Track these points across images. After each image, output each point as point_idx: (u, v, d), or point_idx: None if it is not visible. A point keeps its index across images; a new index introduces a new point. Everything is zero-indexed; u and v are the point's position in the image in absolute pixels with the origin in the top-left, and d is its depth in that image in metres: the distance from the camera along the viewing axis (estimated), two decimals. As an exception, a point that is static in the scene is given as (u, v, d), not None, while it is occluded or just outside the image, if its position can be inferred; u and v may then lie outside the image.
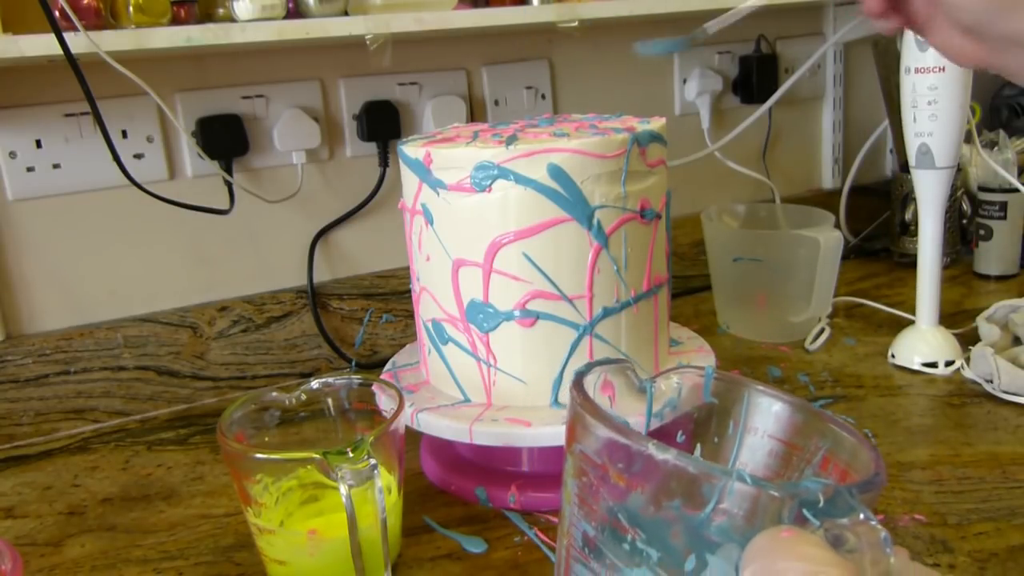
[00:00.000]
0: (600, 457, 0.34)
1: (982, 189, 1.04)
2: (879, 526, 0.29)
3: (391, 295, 0.94)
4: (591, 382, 0.38)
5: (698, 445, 0.43)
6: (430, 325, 0.65)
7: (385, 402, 0.59)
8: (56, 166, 0.80)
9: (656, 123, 0.64)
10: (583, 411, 0.35)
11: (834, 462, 0.37)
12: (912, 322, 0.83)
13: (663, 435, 0.43)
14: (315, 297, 0.91)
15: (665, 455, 0.31)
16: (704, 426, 0.43)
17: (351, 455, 0.48)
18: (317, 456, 0.49)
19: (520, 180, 0.58)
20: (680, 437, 0.44)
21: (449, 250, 0.61)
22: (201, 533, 0.62)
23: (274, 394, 0.59)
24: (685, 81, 1.10)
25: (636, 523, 0.33)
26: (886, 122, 1.13)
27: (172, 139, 0.85)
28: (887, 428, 0.70)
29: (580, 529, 0.35)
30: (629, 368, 0.42)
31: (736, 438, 0.42)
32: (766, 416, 0.41)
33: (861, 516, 0.30)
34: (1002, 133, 1.05)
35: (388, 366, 0.73)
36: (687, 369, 0.44)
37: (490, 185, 0.58)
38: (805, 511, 0.30)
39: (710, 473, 0.31)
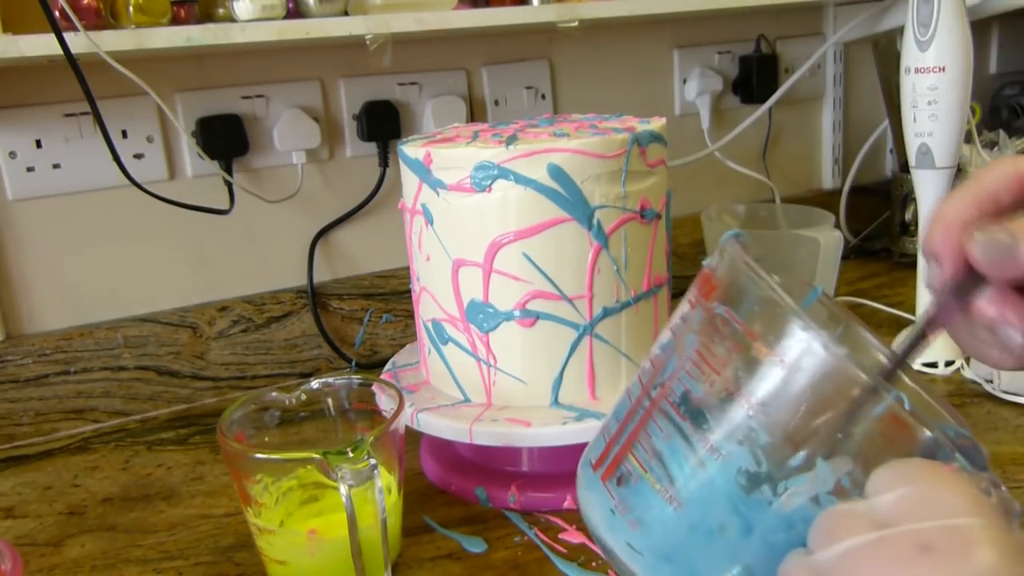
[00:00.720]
0: (748, 322, 0.32)
1: (982, 189, 1.04)
2: (1010, 496, 0.29)
3: (391, 295, 0.94)
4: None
5: None
6: (430, 325, 0.65)
7: (385, 402, 0.59)
8: (56, 166, 0.80)
9: (656, 123, 0.64)
10: (748, 269, 0.32)
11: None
12: (912, 322, 0.83)
13: None
14: (315, 297, 0.91)
15: (834, 352, 0.29)
16: None
17: (351, 455, 0.48)
18: (317, 456, 0.49)
19: (520, 180, 0.58)
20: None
21: (449, 250, 0.61)
22: (201, 533, 0.62)
23: (274, 394, 0.59)
24: (685, 81, 1.10)
25: (759, 401, 0.31)
26: (886, 122, 1.13)
27: (172, 139, 0.85)
28: (887, 428, 0.70)
29: (684, 385, 0.33)
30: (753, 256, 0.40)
31: None
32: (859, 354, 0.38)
33: (993, 480, 0.29)
34: (1002, 133, 1.05)
35: (388, 366, 0.73)
36: (792, 282, 0.41)
37: (490, 185, 0.58)
38: (959, 455, 0.29)
39: (872, 386, 0.29)
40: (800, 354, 0.30)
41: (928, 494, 0.27)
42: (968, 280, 0.33)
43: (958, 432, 0.29)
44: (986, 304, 0.33)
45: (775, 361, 0.31)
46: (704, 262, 0.36)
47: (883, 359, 0.37)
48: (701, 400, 0.32)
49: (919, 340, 0.33)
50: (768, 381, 0.31)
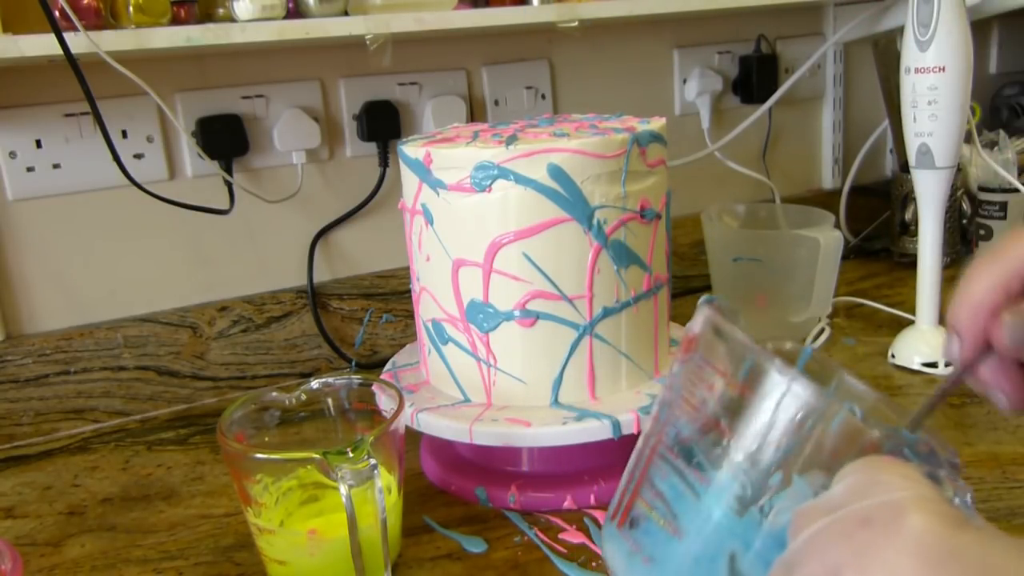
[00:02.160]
0: (724, 366, 0.36)
1: (982, 189, 1.04)
2: (965, 484, 0.31)
3: (391, 295, 0.94)
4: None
5: None
6: (430, 325, 0.65)
7: (385, 402, 0.59)
8: (56, 166, 0.80)
9: (656, 123, 0.64)
10: (718, 321, 0.37)
11: None
12: (912, 322, 0.83)
13: None
14: (315, 297, 0.91)
15: (787, 375, 0.33)
16: None
17: (351, 455, 0.49)
18: (317, 456, 0.49)
19: (520, 180, 0.58)
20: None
21: (449, 250, 0.61)
22: (201, 533, 0.62)
23: (274, 394, 0.59)
24: (685, 81, 1.10)
25: (737, 432, 0.34)
26: (886, 122, 1.13)
27: (172, 139, 0.85)
28: (887, 428, 0.70)
29: (676, 428, 0.37)
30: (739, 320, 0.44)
31: None
32: (851, 401, 0.43)
33: (950, 474, 0.32)
34: (1002, 133, 1.05)
35: (388, 366, 0.73)
36: (786, 343, 0.45)
37: (490, 185, 0.58)
38: (906, 450, 0.32)
39: (825, 400, 0.32)
40: (764, 385, 0.34)
41: (869, 478, 0.30)
42: (982, 353, 0.37)
43: (916, 438, 0.33)
44: (986, 372, 0.37)
45: (746, 395, 0.35)
46: (686, 327, 0.40)
47: (890, 420, 0.41)
48: (689, 439, 0.36)
49: (933, 407, 0.38)
50: (742, 414, 0.35)
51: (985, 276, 0.37)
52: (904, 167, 0.98)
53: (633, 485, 0.39)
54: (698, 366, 0.37)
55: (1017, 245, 0.37)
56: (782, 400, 0.33)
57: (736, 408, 0.35)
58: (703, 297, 0.41)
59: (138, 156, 0.83)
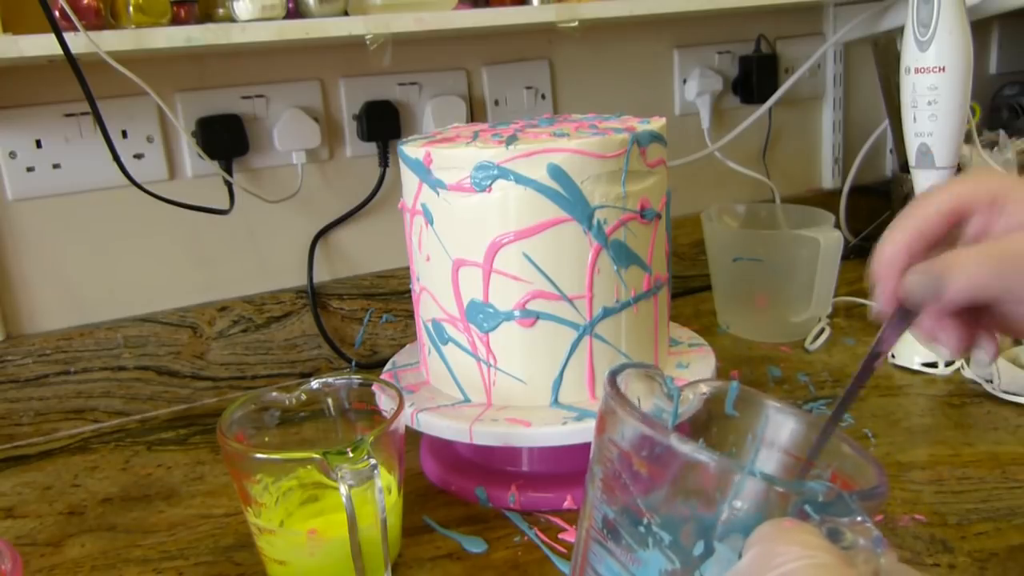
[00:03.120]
0: (626, 446, 0.36)
1: (982, 189, 1.04)
2: (873, 527, 0.31)
3: (391, 295, 0.94)
4: (623, 380, 0.40)
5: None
6: (430, 325, 0.65)
7: (385, 402, 0.59)
8: (56, 166, 0.80)
9: (656, 123, 0.64)
10: (614, 402, 0.37)
11: (841, 478, 0.39)
12: (912, 322, 0.83)
13: None
14: (315, 297, 0.91)
15: (684, 447, 0.33)
16: (722, 437, 0.45)
17: (351, 455, 0.49)
18: (317, 456, 0.49)
19: (520, 180, 0.58)
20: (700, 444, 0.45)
21: (449, 250, 0.61)
22: (201, 533, 0.62)
23: (274, 394, 0.59)
24: (685, 81, 1.10)
25: (652, 509, 0.35)
26: (886, 122, 1.13)
27: (172, 139, 0.85)
28: (887, 428, 0.70)
29: (601, 512, 0.37)
30: (659, 375, 0.45)
31: (752, 450, 0.44)
32: (782, 431, 0.43)
33: (858, 518, 0.31)
34: (1002, 133, 1.05)
35: (388, 366, 0.73)
36: (713, 382, 0.46)
37: (490, 185, 0.58)
38: (807, 507, 0.32)
39: (724, 467, 0.33)
40: (665, 460, 0.35)
41: (767, 551, 0.31)
42: (905, 311, 0.40)
43: (820, 488, 0.32)
44: (926, 322, 0.41)
45: (652, 471, 0.35)
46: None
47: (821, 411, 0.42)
48: (614, 520, 0.37)
49: (868, 370, 0.40)
50: (653, 492, 0.35)
51: (890, 239, 0.41)
52: (904, 167, 0.98)
53: (578, 570, 0.39)
54: (606, 446, 0.37)
55: (920, 205, 0.41)
56: (687, 473, 0.34)
57: (647, 486, 0.35)
58: (609, 369, 0.41)
59: (138, 156, 0.83)
